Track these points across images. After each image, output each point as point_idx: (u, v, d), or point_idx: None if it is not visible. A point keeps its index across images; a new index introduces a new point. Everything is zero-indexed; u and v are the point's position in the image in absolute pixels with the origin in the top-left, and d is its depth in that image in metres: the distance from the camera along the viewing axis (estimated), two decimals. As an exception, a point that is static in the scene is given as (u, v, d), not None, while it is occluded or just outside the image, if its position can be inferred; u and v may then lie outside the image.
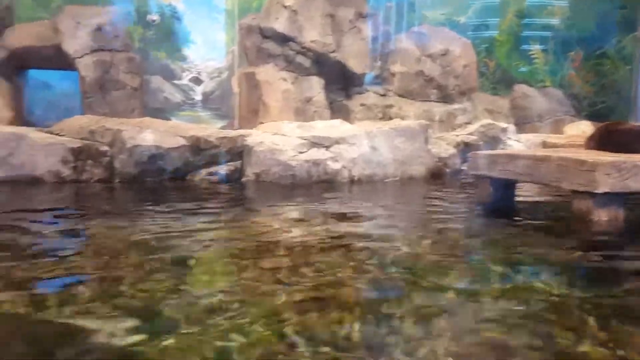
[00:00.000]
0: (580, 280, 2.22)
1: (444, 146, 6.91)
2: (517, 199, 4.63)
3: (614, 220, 3.21)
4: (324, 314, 1.68)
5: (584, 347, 1.46)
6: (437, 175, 6.49)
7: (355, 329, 1.57)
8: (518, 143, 7.23)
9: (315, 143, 5.88)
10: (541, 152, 4.16)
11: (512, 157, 4.11)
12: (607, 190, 3.12)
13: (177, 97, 9.58)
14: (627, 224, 3.24)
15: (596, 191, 3.13)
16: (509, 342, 1.51)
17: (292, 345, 1.44)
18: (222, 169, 5.84)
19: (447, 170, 6.68)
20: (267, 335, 1.51)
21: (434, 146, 6.78)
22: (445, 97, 8.93)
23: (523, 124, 9.51)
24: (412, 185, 5.85)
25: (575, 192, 3.36)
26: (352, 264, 2.33)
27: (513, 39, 10.66)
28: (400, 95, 8.94)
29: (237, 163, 5.93)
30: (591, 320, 1.67)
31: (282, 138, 5.94)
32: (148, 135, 5.51)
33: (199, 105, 9.73)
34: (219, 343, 1.46)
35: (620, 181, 3.12)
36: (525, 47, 10.67)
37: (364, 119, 7.90)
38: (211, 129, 6.44)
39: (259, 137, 5.96)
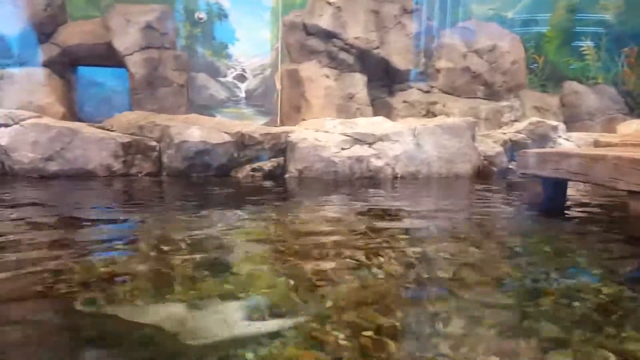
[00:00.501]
0: (631, 283, 2.12)
1: (490, 144, 6.75)
2: (568, 199, 4.47)
3: (673, 223, 3.05)
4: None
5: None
6: (483, 174, 6.35)
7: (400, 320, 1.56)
8: (568, 142, 6.98)
9: (358, 140, 5.87)
10: (595, 151, 4.00)
11: (565, 156, 3.97)
12: (666, 190, 2.96)
13: (222, 94, 9.75)
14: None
15: (655, 191, 2.98)
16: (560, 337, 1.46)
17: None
18: (266, 165, 5.91)
19: (494, 168, 6.52)
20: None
21: (480, 144, 6.64)
22: (492, 94, 8.71)
23: (573, 122, 9.16)
24: (457, 183, 5.75)
25: (632, 192, 3.21)
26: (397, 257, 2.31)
27: (563, 34, 10.28)
28: (445, 92, 8.78)
29: (280, 159, 5.99)
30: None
31: (325, 135, 5.96)
32: (195, 131, 5.64)
33: (242, 102, 9.86)
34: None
35: (681, 181, 2.96)
36: (576, 43, 10.28)
37: (407, 116, 7.82)
38: (255, 126, 6.53)
39: (302, 133, 6.00)
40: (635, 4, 10.19)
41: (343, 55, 7.89)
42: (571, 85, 9.62)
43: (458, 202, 4.72)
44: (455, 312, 1.68)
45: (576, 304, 1.78)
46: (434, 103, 8.63)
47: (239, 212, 3.55)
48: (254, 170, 5.79)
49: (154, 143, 5.72)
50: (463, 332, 1.52)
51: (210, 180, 5.49)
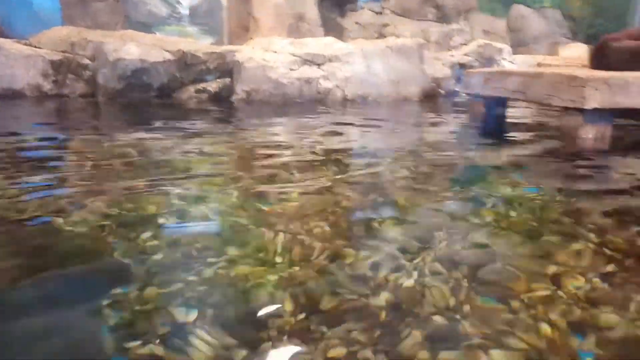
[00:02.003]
0: (565, 191, 2.25)
1: (438, 66, 6.77)
2: (510, 118, 4.61)
3: (600, 137, 3.21)
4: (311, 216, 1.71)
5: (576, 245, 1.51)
6: (431, 96, 6.40)
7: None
8: (513, 64, 7.09)
9: (307, 60, 5.72)
10: (536, 70, 4.09)
11: (505, 75, 4.04)
12: (595, 106, 3.09)
13: (163, 10, 9.12)
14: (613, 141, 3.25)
15: (585, 107, 3.10)
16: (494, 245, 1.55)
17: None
18: (211, 87, 5.70)
19: (442, 91, 6.58)
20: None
21: (428, 67, 6.64)
22: (443, 17, 8.62)
23: (520, 46, 9.28)
24: (406, 105, 5.78)
25: (566, 108, 3.34)
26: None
27: (513, -44, 10.15)
28: (396, 14, 8.62)
29: (227, 80, 5.79)
30: (567, 219, 1.73)
31: (273, 55, 5.77)
32: (132, 48, 5.31)
33: (185, 19, 9.29)
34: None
35: (609, 97, 3.09)
36: (526, -35, 10.19)
37: (359, 38, 7.65)
38: (199, 44, 6.22)
39: (249, 53, 5.77)
40: None
41: (292, -29, 7.49)
42: (519, 9, 9.64)
43: (405, 124, 4.77)
44: (400, 227, 1.72)
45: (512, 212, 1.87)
46: (386, 25, 8.47)
47: (175, 136, 3.45)
48: (198, 91, 5.59)
49: (86, 61, 5.37)
50: (403, 239, 1.58)
51: (150, 101, 5.27)
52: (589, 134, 3.22)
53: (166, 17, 9.16)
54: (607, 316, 1.13)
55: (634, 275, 1.34)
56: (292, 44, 6.10)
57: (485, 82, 4.27)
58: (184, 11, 9.31)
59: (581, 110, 3.18)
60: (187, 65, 5.53)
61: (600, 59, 3.90)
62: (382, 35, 8.30)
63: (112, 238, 1.47)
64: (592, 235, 1.61)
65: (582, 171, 2.70)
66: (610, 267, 1.38)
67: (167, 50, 5.45)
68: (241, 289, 1.20)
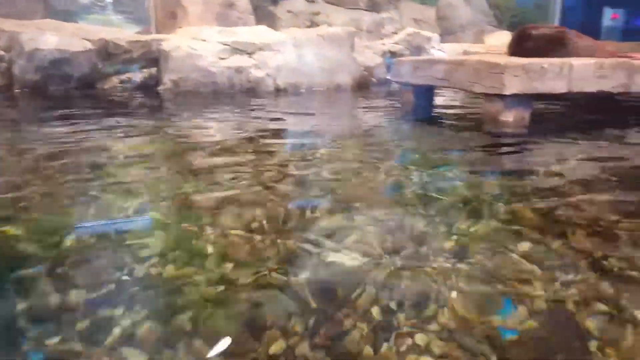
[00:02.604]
0: (486, 173, 2.34)
1: (370, 55, 6.84)
2: (440, 104, 4.74)
3: (520, 121, 3.36)
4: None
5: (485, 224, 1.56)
6: (363, 85, 6.46)
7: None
8: (441, 52, 7.29)
9: (237, 49, 5.60)
10: (460, 58, 4.22)
11: (432, 63, 4.14)
12: (514, 92, 3.23)
13: (84, -3, 8.67)
14: (532, 124, 3.42)
15: (504, 93, 3.23)
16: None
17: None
18: (137, 77, 5.48)
19: (373, 79, 6.67)
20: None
21: (360, 55, 6.69)
22: (374, 6, 8.72)
23: (448, 34, 9.57)
24: (339, 94, 5.81)
25: (486, 94, 3.46)
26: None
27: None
28: (328, 2, 8.62)
29: (153, 70, 5.58)
30: (488, 199, 1.79)
31: (202, 43, 5.60)
32: (50, 38, 4.99)
33: (110, 8, 8.87)
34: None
35: (527, 83, 3.23)
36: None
37: (291, 27, 7.59)
38: (122, 33, 5.95)
39: (175, 41, 5.58)
40: None
41: (220, -43, 7.30)
42: (447, -2, 9.93)
43: (337, 113, 4.79)
44: (337, 217, 1.72)
45: (442, 198, 1.92)
46: (318, 13, 8.46)
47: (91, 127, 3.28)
48: (122, 82, 5.34)
49: (1, 52, 4.99)
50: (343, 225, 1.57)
51: (71, 93, 4.98)
52: (510, 118, 3.37)
53: (89, 6, 8.70)
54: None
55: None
56: (222, 32, 5.96)
57: (414, 71, 4.35)
58: (108, -1, 8.89)
59: (501, 96, 3.32)
60: (109, 55, 5.27)
61: (519, 46, 4.07)
62: (314, 24, 8.29)
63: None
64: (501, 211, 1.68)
65: (499, 153, 2.83)
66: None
67: (88, 40, 5.16)
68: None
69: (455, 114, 4.40)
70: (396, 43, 7.18)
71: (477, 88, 3.53)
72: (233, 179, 2.06)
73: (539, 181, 2.18)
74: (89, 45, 5.11)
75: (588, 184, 2.13)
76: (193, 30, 6.16)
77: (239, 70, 5.45)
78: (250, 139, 2.95)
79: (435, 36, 7.40)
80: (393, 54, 6.99)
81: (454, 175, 2.23)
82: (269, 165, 2.31)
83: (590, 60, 3.42)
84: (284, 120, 3.84)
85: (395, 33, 8.34)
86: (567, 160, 2.63)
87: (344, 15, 8.53)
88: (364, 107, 4.82)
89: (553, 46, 3.82)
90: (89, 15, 8.51)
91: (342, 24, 8.06)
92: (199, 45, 5.53)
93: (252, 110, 4.32)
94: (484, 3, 10.32)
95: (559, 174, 2.27)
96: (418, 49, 7.24)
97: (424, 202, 1.81)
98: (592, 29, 11.19)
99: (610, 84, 3.47)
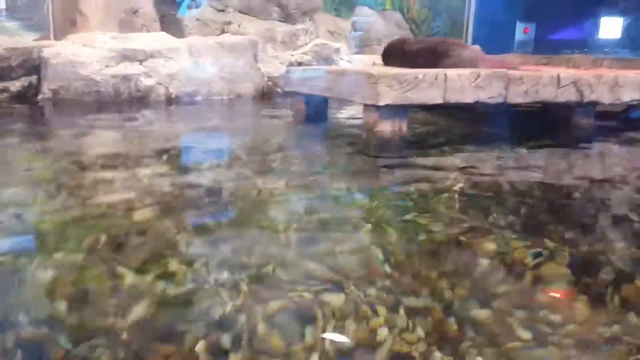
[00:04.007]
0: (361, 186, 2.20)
1: (276, 65, 6.69)
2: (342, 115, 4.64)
3: (397, 131, 3.29)
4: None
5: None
6: (267, 95, 6.30)
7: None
8: (350, 63, 7.26)
9: (126, 56, 5.26)
10: (343, 67, 4.14)
11: (320, 73, 4.03)
12: (389, 102, 3.15)
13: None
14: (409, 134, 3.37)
15: (379, 103, 3.14)
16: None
17: None
18: (14, 85, 5.01)
19: (279, 89, 6.51)
20: None
21: (266, 65, 6.53)
22: (288, 17, 8.62)
23: (364, 46, 9.61)
24: (239, 104, 5.60)
25: (365, 105, 3.37)
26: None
27: (355, -40, 10.50)
28: (240, 12, 8.43)
29: (33, 78, 5.13)
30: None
31: (87, 50, 5.22)
32: None
33: (2, 14, 8.19)
34: None
35: (401, 93, 3.16)
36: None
37: (195, 35, 7.32)
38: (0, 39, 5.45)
39: (57, 48, 5.16)
40: None
41: (120, -39, 6.93)
42: (362, 10, 10.00)
43: (229, 123, 4.59)
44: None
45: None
46: (229, 23, 8.24)
47: None
48: (-4, 91, 4.87)
49: None
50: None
51: None
52: (386, 128, 3.28)
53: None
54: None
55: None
56: (115, 38, 5.60)
57: (303, 80, 4.23)
58: (0, 4, 8.19)
59: (377, 107, 3.23)
60: (-22, 62, 4.79)
61: (393, 56, 4.08)
62: (226, 33, 8.06)
63: None
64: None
65: (373, 164, 2.73)
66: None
67: (-48, 44, 4.66)
68: None
69: (349, 125, 4.31)
70: (304, 53, 7.09)
71: (356, 98, 3.44)
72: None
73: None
74: (-47, 51, 4.61)
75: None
76: (85, 36, 5.76)
77: (126, 78, 5.11)
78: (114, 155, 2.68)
79: (344, 47, 7.38)
80: (301, 64, 6.88)
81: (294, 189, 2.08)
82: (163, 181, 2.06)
83: (466, 71, 3.41)
84: (178, 126, 3.58)
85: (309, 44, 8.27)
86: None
87: (258, 25, 8.36)
88: (257, 116, 4.66)
89: (432, 57, 3.81)
90: (-23, 20, 7.81)
91: (255, 34, 7.89)
92: (84, 52, 5.15)
93: (138, 120, 4.03)
94: (399, 16, 10.50)
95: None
96: (327, 60, 7.18)
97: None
98: (505, 43, 11.73)
99: (487, 95, 3.46)
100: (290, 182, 2.22)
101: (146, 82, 5.20)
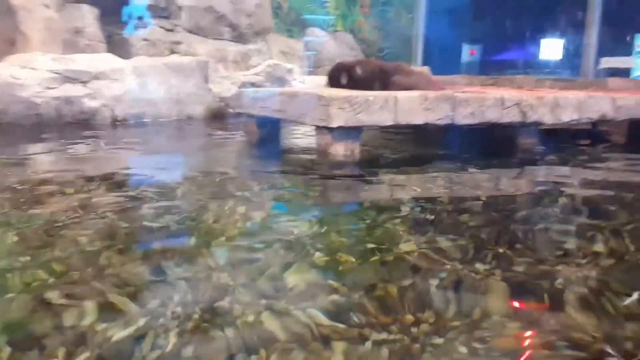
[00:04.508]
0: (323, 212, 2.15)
1: (227, 85, 6.60)
2: (283, 137, 4.60)
3: (350, 153, 3.28)
4: None
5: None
6: (219, 116, 6.19)
7: None
8: (302, 84, 7.28)
9: (69, 78, 5.05)
10: (295, 89, 4.12)
11: (270, 94, 3.99)
12: (341, 124, 3.14)
13: None
14: (363, 155, 3.36)
15: (331, 125, 3.13)
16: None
17: None
18: (-56, 108, 4.69)
19: (231, 110, 6.41)
20: None
21: (217, 85, 6.43)
22: (239, 37, 8.56)
23: (316, 67, 9.68)
24: (188, 125, 5.47)
25: (317, 127, 3.35)
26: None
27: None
28: (190, 32, 8.30)
29: (-32, 101, 4.83)
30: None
31: (27, 72, 4.98)
32: None
33: None
34: None
35: (353, 115, 3.16)
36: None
37: (142, 56, 7.14)
38: None
39: (-6, 69, 4.90)
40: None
41: (63, -20, 6.71)
42: (314, 31, 10.10)
43: (174, 146, 4.46)
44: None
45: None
46: (178, 43, 8.09)
47: None
48: None
49: None
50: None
51: None
52: (339, 150, 3.27)
53: None
54: None
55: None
56: (56, 60, 5.37)
57: (255, 102, 4.18)
58: None
59: (329, 129, 3.22)
60: None
61: (341, 79, 4.13)
62: (175, 53, 7.92)
63: None
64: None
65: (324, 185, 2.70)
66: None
67: None
68: None
69: (296, 146, 4.27)
70: (257, 74, 7.04)
71: (307, 120, 3.42)
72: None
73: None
74: None
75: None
76: (25, 57, 5.50)
77: (69, 100, 4.89)
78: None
79: (296, 68, 7.39)
80: (253, 84, 6.83)
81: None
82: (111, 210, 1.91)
83: (415, 93, 3.46)
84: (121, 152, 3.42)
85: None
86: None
87: (209, 45, 8.25)
88: (204, 137, 4.55)
89: (376, 80, 3.87)
90: None
91: (206, 54, 7.78)
92: (23, 74, 4.91)
93: (81, 144, 3.84)
94: (350, 37, 10.66)
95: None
96: (280, 80, 7.16)
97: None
98: (453, 64, 12.14)
99: (436, 116, 3.51)
100: (239, 206, 2.15)
101: (90, 104, 4.99)
